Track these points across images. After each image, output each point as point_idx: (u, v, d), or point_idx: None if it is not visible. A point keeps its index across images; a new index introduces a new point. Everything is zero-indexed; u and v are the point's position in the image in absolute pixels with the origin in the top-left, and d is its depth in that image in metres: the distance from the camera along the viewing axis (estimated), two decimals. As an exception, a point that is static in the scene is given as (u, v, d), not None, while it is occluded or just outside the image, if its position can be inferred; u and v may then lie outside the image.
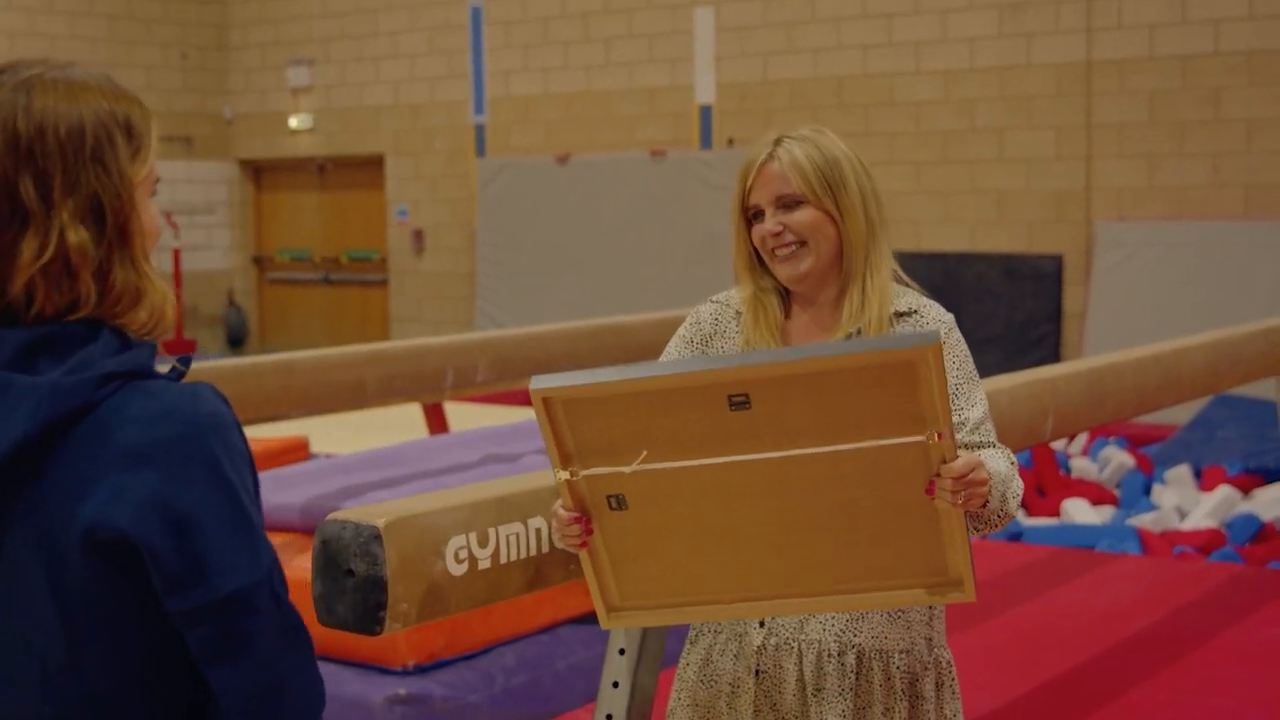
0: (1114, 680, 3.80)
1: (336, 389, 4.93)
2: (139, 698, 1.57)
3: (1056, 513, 7.26)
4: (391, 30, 13.72)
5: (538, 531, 2.52)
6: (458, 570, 2.40)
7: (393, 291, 13.95)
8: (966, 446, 2.43)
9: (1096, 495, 7.46)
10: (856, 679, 2.40)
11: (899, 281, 2.51)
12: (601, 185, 12.38)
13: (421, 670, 4.30)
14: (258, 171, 15.10)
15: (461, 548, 2.41)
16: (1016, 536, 6.63)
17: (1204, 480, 7.61)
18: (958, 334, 2.50)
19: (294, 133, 14.49)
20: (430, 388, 5.51)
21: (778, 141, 2.49)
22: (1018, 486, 2.36)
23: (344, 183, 14.46)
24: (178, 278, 13.99)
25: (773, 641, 2.43)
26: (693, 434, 2.07)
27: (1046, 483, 7.65)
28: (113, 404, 1.52)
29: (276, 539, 4.77)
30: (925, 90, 11.01)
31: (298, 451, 6.84)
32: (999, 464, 2.33)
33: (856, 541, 2.12)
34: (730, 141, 11.81)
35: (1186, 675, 3.84)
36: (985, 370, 3.83)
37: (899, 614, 2.42)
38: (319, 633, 2.37)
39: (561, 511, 2.15)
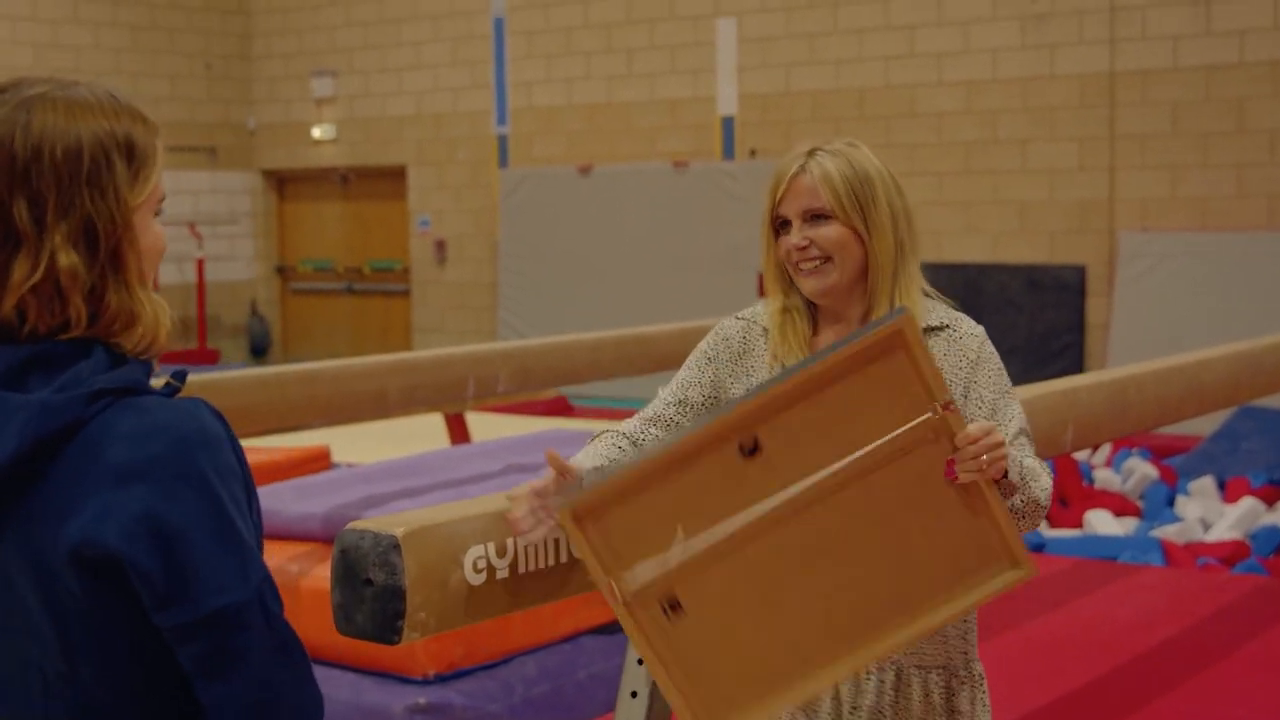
0: (1136, 692, 3.79)
1: (359, 399, 4.94)
2: (134, 708, 1.57)
3: (1079, 524, 7.24)
4: (415, 41, 13.75)
5: (556, 542, 2.52)
6: (476, 580, 2.40)
7: (415, 302, 13.98)
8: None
9: (1120, 506, 7.43)
10: (895, 696, 2.39)
11: (927, 296, 2.49)
12: (624, 196, 12.39)
13: (442, 679, 4.31)
14: (281, 182, 15.15)
15: (480, 557, 2.41)
16: (1039, 548, 6.61)
17: (1228, 492, 7.57)
18: (990, 347, 2.49)
19: (317, 143, 14.53)
20: (452, 397, 5.52)
21: (810, 154, 2.47)
22: (1046, 481, 2.36)
23: (367, 193, 14.50)
24: (201, 288, 14.04)
25: None
26: (717, 499, 2.09)
27: (1070, 494, 7.63)
28: (103, 421, 1.52)
29: (298, 548, 4.78)
30: (947, 101, 11.00)
31: (320, 461, 6.85)
32: (1024, 456, 2.35)
33: (911, 561, 2.14)
34: (752, 152, 11.81)
35: (1209, 687, 3.82)
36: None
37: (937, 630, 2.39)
38: (339, 641, 2.38)
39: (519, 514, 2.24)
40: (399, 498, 5.00)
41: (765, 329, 2.50)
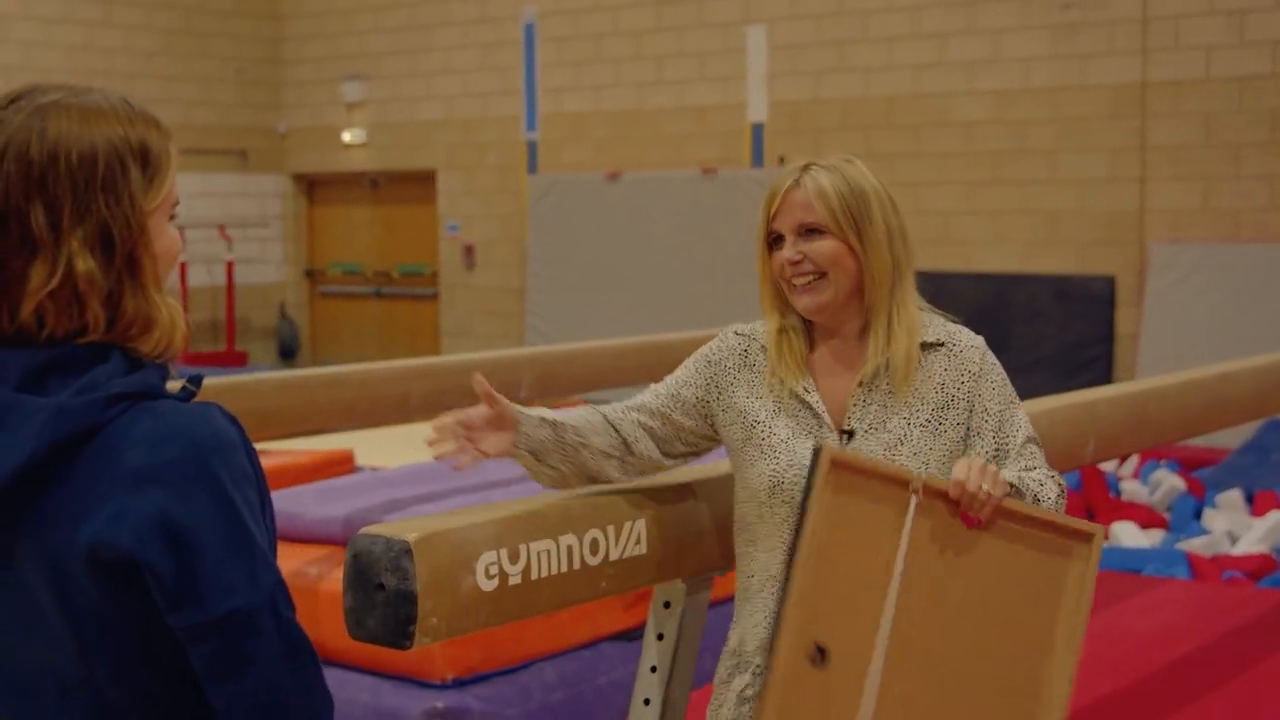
0: (1152, 706, 3.76)
1: (382, 403, 4.95)
2: (148, 710, 1.59)
3: (1105, 536, 7.21)
4: (445, 46, 13.78)
5: (569, 548, 2.52)
6: (488, 586, 2.40)
7: (443, 306, 14.00)
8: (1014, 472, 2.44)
9: (1147, 519, 7.39)
10: None
11: (922, 310, 2.50)
12: (652, 203, 12.39)
13: (460, 684, 4.31)
14: (311, 185, 15.20)
15: (492, 563, 2.41)
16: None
17: (1256, 505, 7.53)
18: (991, 357, 2.49)
19: (347, 147, 14.57)
20: (475, 402, 5.52)
21: (805, 168, 2.48)
22: (1051, 490, 2.42)
23: (396, 197, 14.53)
24: (230, 290, 14.09)
25: None
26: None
27: (1096, 505, 7.59)
28: (120, 425, 1.53)
29: (318, 551, 4.79)
30: (977, 110, 10.97)
31: (344, 464, 6.87)
32: (1027, 469, 2.41)
33: (1018, 610, 2.28)
34: (781, 160, 11.79)
35: (1227, 701, 3.79)
36: (1035, 392, 3.82)
37: None
38: (357, 644, 2.38)
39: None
40: (421, 502, 5.01)
41: (764, 346, 2.52)
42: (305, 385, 4.82)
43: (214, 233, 14.06)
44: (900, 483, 2.29)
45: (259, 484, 1.61)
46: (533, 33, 13.17)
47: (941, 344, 2.47)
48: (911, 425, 2.42)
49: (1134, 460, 8.62)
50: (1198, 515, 7.53)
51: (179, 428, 1.54)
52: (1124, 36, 10.32)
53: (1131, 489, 7.92)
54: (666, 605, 2.76)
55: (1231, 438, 8.33)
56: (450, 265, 13.92)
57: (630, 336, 6.84)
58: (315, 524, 4.93)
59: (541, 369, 5.68)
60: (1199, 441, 8.02)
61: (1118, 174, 10.42)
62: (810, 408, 2.46)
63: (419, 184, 14.19)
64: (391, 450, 7.27)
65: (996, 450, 2.45)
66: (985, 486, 2.30)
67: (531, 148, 13.21)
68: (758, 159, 11.94)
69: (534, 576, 2.47)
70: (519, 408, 2.48)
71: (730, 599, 2.64)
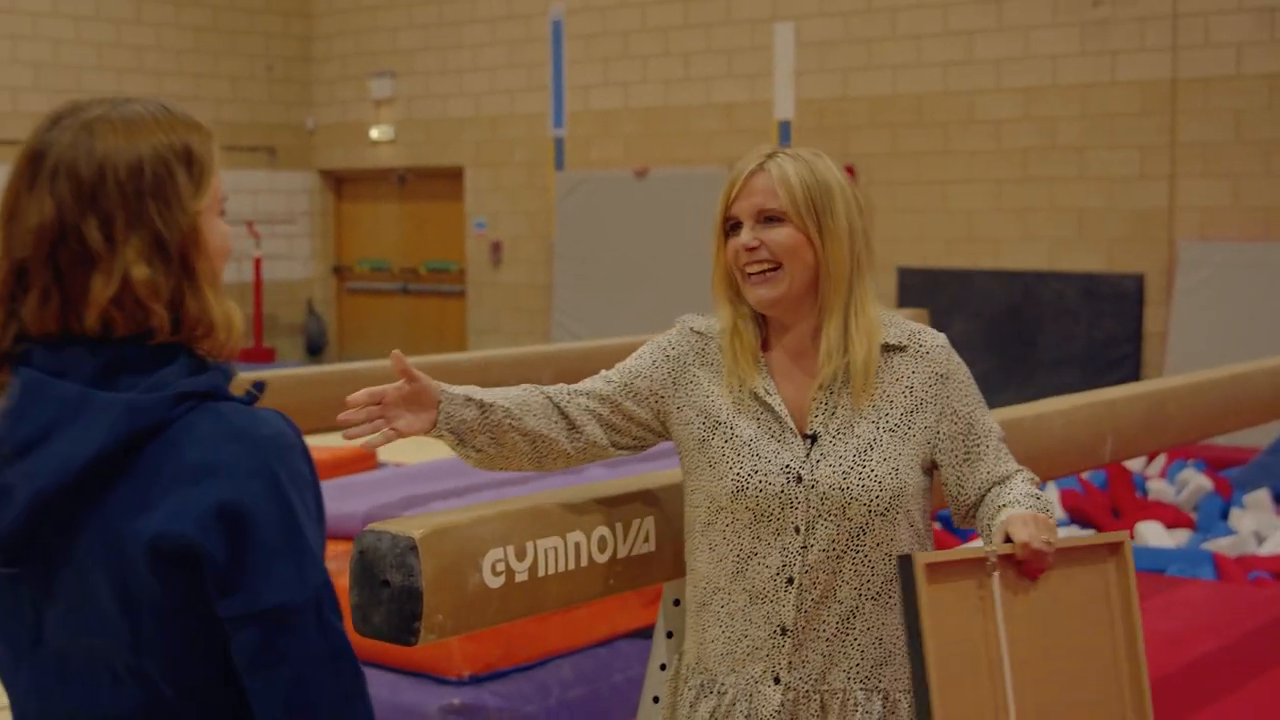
0: (1170, 705, 3.74)
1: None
2: (196, 705, 1.63)
3: (1130, 535, 7.17)
4: (473, 43, 13.80)
5: (576, 545, 2.51)
6: (494, 583, 2.40)
7: (470, 303, 14.02)
8: (992, 480, 2.40)
9: (1173, 518, 7.34)
10: None
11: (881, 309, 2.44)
12: (679, 200, 12.37)
13: (477, 680, 4.31)
14: (339, 182, 15.23)
15: (499, 560, 2.41)
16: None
17: (1283, 505, 7.48)
18: (956, 357, 2.44)
19: (375, 144, 14.60)
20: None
21: (771, 155, 2.41)
22: (1048, 500, 2.39)
23: (423, 194, 14.55)
24: (258, 286, 14.13)
25: (791, 697, 2.34)
26: None
27: (1122, 505, 7.55)
28: (185, 423, 1.59)
29: (338, 547, 4.79)
30: (1006, 108, 10.92)
31: (366, 460, 6.89)
32: (1022, 487, 2.38)
33: (1087, 640, 2.31)
34: (809, 157, 11.74)
35: (1245, 702, 3.77)
36: (1063, 391, 3.81)
37: None
38: (374, 641, 2.38)
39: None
40: (441, 498, 5.02)
41: (721, 346, 2.44)
42: (326, 382, 4.82)
43: (242, 229, 14.11)
44: (976, 561, 2.25)
45: (314, 489, 1.65)
46: (560, 29, 13.17)
47: (904, 347, 2.40)
48: (880, 430, 2.36)
49: (1161, 459, 8.57)
50: (1225, 515, 7.48)
51: (240, 427, 1.60)
52: (1154, 33, 10.26)
53: (1158, 488, 7.88)
54: (676, 603, 2.75)
55: (1260, 437, 8.27)
56: (477, 262, 13.94)
57: (657, 333, 6.82)
58: (335, 520, 4.93)
59: (561, 366, 5.67)
60: (1226, 440, 7.97)
61: (1147, 171, 10.36)
62: (772, 410, 2.38)
63: (447, 180, 14.21)
64: (414, 446, 7.26)
65: (967, 453, 2.40)
66: (1044, 538, 2.24)
67: (559, 144, 13.21)
68: (785, 156, 11.90)
69: (541, 574, 2.47)
70: (444, 385, 2.36)
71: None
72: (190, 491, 1.56)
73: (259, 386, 1.70)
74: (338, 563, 4.65)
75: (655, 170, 12.50)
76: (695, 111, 12.36)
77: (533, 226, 13.48)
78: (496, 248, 13.74)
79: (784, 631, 2.34)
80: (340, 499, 5.10)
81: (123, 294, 1.58)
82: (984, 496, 2.44)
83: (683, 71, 12.47)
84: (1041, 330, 10.76)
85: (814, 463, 2.34)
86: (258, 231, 14.18)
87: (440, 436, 2.37)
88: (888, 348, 2.39)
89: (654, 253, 12.53)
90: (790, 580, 2.33)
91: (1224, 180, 10.08)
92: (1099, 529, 7.34)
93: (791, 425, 2.37)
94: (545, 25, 13.26)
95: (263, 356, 13.75)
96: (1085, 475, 7.92)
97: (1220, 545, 6.75)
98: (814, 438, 2.35)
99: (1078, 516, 7.47)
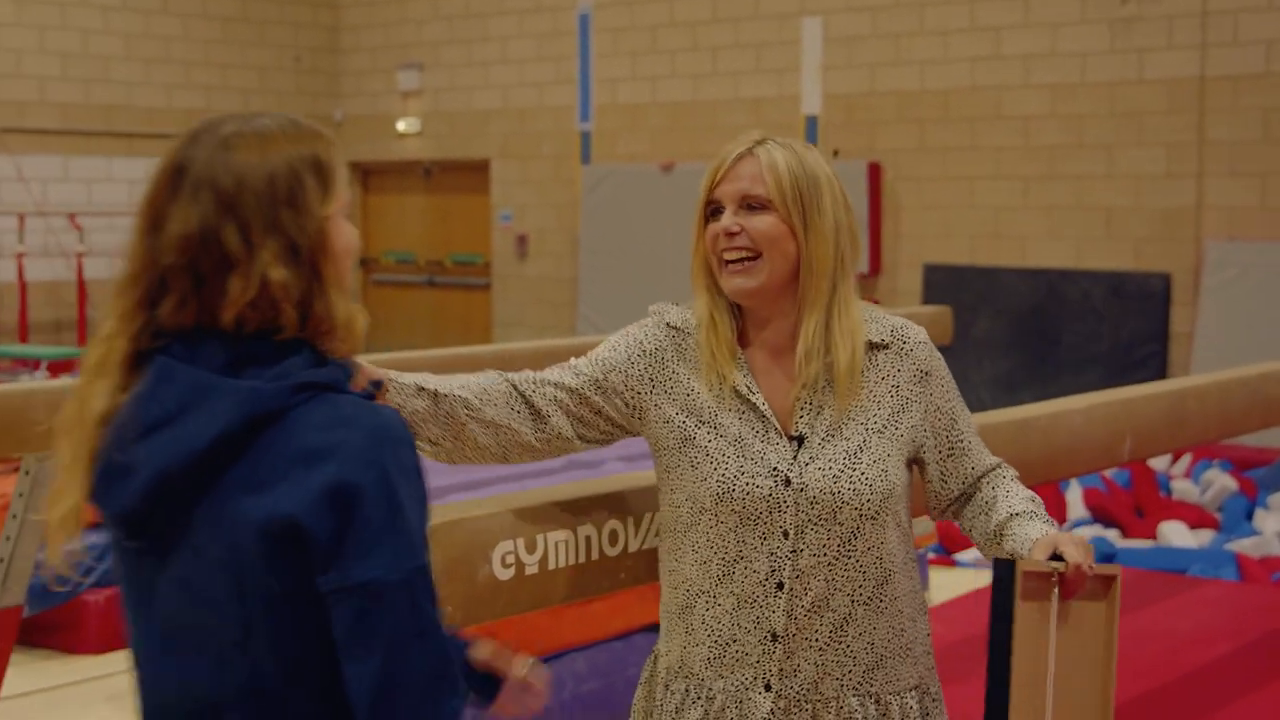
0: (1188, 705, 3.72)
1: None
2: (297, 682, 1.71)
3: (1153, 535, 7.14)
4: (501, 35, 13.80)
5: (587, 539, 2.51)
6: (504, 575, 2.40)
7: (496, 296, 14.03)
8: (975, 474, 2.38)
9: (1197, 518, 7.32)
10: None
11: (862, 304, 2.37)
12: (705, 194, 12.35)
13: (491, 673, 4.30)
14: (365, 173, 15.26)
15: (509, 553, 2.41)
16: (1109, 559, 6.52)
17: (1308, 507, 7.45)
18: (936, 352, 2.38)
19: (402, 136, 14.62)
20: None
21: (760, 141, 2.34)
22: (1030, 494, 2.39)
23: (450, 186, 14.56)
24: (285, 277, 14.16)
25: (782, 704, 2.28)
26: None
27: (1146, 504, 7.52)
28: (302, 411, 1.69)
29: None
30: (1033, 104, 10.88)
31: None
32: (1018, 491, 2.37)
33: (1089, 671, 2.28)
34: (836, 153, 11.74)
35: (1265, 703, 3.75)
36: (1088, 390, 3.79)
37: (908, 650, 2.33)
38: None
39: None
40: (459, 490, 5.01)
41: (699, 342, 2.35)
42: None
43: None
44: (1044, 575, 2.21)
45: (419, 480, 1.73)
46: (588, 23, 13.17)
47: (887, 345, 2.33)
48: (869, 431, 2.29)
49: (1185, 459, 8.54)
50: (1249, 516, 7.45)
51: (353, 416, 1.70)
52: (1182, 31, 10.20)
53: (1182, 488, 7.85)
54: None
55: (1285, 438, 8.23)
56: (503, 255, 13.95)
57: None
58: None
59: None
60: (1252, 441, 7.93)
61: (1174, 170, 10.31)
62: (755, 408, 2.29)
63: (473, 173, 14.22)
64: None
65: (951, 449, 2.37)
66: (1091, 562, 2.21)
67: (585, 138, 13.21)
68: (811, 151, 11.87)
69: (551, 566, 2.47)
70: (393, 374, 2.29)
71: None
72: (302, 474, 1.65)
73: (376, 384, 1.83)
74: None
75: (681, 165, 12.49)
76: (722, 106, 12.34)
77: (559, 219, 13.48)
78: (522, 240, 13.75)
79: (774, 638, 2.27)
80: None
81: (258, 295, 1.69)
82: (971, 492, 2.41)
83: (710, 66, 12.46)
84: (1067, 329, 10.72)
85: (802, 465, 2.26)
86: (284, 222, 14.21)
87: None
88: (871, 345, 2.32)
89: (679, 247, 12.43)
90: (780, 585, 2.26)
91: (1252, 179, 10.02)
92: (1122, 528, 7.31)
93: (776, 425, 2.29)
94: (573, 18, 13.26)
95: (288, 347, 13.79)
96: (1109, 474, 7.89)
97: (1244, 546, 6.73)
98: (801, 439, 2.28)
99: (1100, 515, 7.45)
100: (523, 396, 2.35)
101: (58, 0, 13.01)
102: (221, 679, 1.71)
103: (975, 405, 11.83)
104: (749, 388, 2.30)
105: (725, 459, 2.27)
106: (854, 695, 2.29)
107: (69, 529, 1.75)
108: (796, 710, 2.28)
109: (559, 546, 2.48)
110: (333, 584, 1.65)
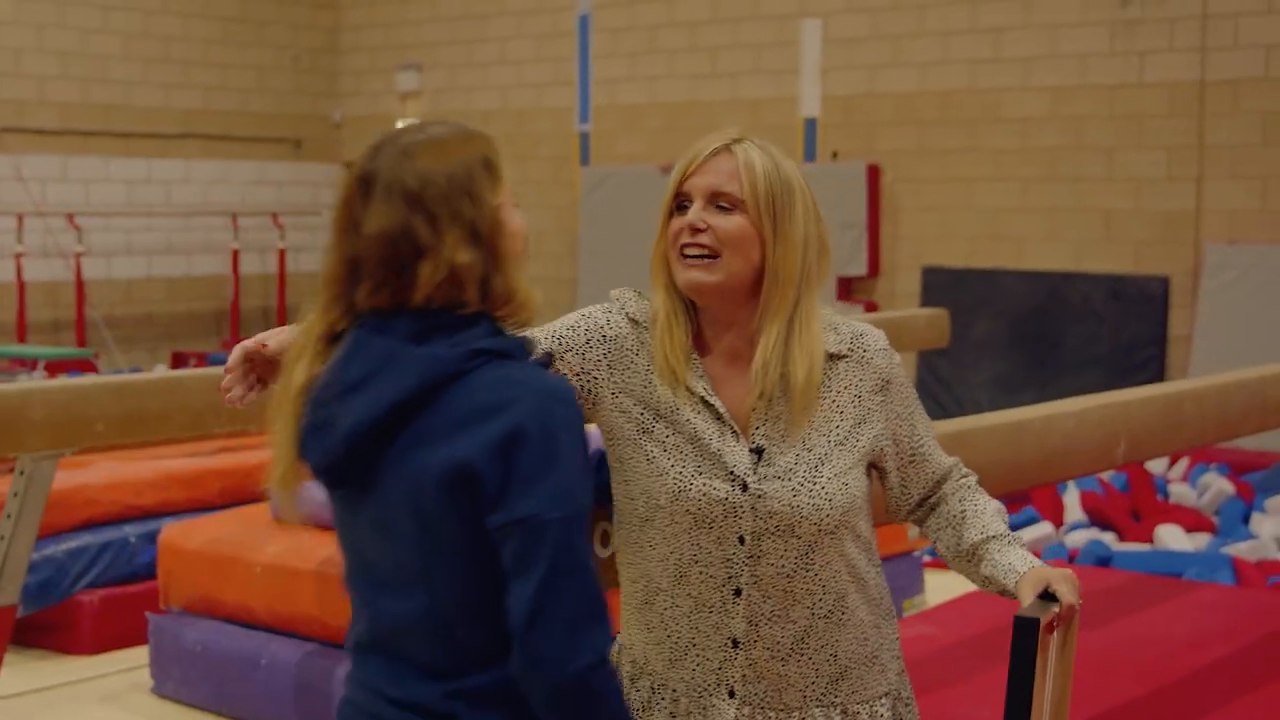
0: (1178, 709, 3.72)
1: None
2: (469, 613, 1.95)
3: (1150, 539, 7.13)
4: (500, 36, 13.81)
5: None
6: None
7: (495, 296, 14.01)
8: (939, 484, 2.37)
9: (1194, 522, 7.31)
10: None
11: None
12: (704, 195, 12.34)
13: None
14: (365, 174, 15.24)
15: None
16: (1105, 561, 6.52)
17: (1305, 510, 7.44)
18: (896, 357, 2.32)
19: (401, 136, 14.60)
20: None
21: (738, 139, 2.27)
22: (997, 506, 2.37)
23: (449, 187, 14.55)
24: (282, 278, 14.17)
25: (746, 712, 2.23)
26: None
27: (1143, 508, 7.52)
28: (479, 374, 1.94)
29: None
30: (1033, 106, 10.87)
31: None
32: (987, 506, 2.35)
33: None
34: (834, 154, 11.74)
35: (1258, 709, 3.74)
36: (1088, 392, 3.78)
37: (874, 659, 2.29)
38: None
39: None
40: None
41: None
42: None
43: (267, 220, 14.14)
44: (1049, 621, 2.19)
45: (582, 437, 1.94)
46: (587, 24, 13.16)
47: (846, 355, 2.27)
48: (831, 443, 2.23)
49: (1183, 463, 8.53)
50: (1246, 520, 7.45)
51: (525, 379, 1.94)
52: (1183, 34, 10.20)
53: (1179, 492, 7.84)
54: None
55: (1283, 441, 8.22)
56: (502, 255, 13.93)
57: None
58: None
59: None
60: (1249, 444, 7.92)
61: (1174, 173, 10.30)
62: (713, 409, 2.23)
63: (472, 174, 14.19)
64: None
65: (913, 455, 2.32)
66: (1079, 598, 2.21)
67: (584, 139, 13.21)
68: (810, 154, 11.88)
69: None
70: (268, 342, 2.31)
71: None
72: (478, 427, 1.90)
73: (549, 356, 2.10)
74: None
75: (680, 166, 12.48)
76: (721, 108, 12.33)
77: (558, 221, 13.47)
78: (521, 241, 13.73)
79: (735, 644, 2.22)
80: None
81: (446, 276, 1.95)
82: (935, 502, 2.37)
83: (709, 67, 12.46)
84: (1066, 331, 10.71)
85: (760, 476, 2.21)
86: (282, 223, 14.21)
87: None
88: (830, 356, 2.25)
89: (678, 248, 12.50)
90: (738, 592, 2.21)
91: (1252, 183, 10.02)
92: (1119, 531, 7.31)
93: (735, 428, 2.23)
94: (572, 19, 13.26)
95: (286, 347, 13.77)
96: (1106, 477, 7.88)
97: (1240, 549, 6.72)
98: (760, 450, 2.22)
99: (1097, 518, 7.45)
100: None
101: (57, -1, 13.02)
102: (409, 608, 1.97)
103: (973, 408, 11.76)
104: (705, 390, 2.24)
105: (683, 456, 2.22)
106: (818, 706, 2.24)
107: (289, 486, 2.05)
108: (761, 717, 2.24)
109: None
110: (500, 520, 1.89)
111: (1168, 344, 10.38)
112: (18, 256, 12.45)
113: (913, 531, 3.56)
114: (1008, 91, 10.99)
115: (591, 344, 2.29)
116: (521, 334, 2.05)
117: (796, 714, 2.24)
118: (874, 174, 11.53)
